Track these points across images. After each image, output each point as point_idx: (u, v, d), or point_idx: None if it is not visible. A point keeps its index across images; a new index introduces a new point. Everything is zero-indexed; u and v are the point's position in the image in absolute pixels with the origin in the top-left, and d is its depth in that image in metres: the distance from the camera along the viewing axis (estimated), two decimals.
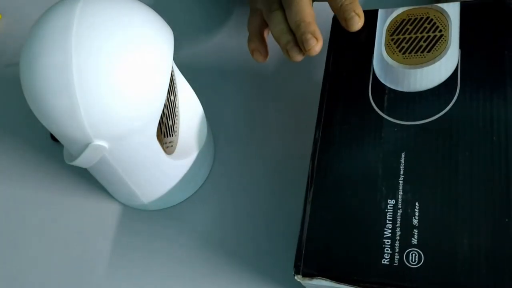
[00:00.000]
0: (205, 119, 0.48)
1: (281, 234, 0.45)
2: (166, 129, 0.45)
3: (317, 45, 0.40)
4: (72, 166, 0.48)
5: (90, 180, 0.51)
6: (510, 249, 0.30)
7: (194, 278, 0.44)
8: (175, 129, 0.47)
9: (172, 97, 0.46)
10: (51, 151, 0.53)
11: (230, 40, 0.58)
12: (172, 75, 0.46)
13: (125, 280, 0.45)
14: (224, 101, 0.53)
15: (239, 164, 0.50)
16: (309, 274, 0.33)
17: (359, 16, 0.40)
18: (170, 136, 0.46)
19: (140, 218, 0.48)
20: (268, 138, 0.51)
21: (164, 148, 0.45)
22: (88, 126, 0.35)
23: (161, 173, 0.44)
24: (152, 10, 0.39)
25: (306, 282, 0.34)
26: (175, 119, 0.46)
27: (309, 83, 0.53)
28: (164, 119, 0.45)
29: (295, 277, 0.34)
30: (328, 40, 0.44)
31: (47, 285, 0.46)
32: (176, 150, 0.46)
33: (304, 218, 0.36)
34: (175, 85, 0.47)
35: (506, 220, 0.31)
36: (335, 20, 0.45)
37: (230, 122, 0.52)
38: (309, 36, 0.40)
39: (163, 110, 0.44)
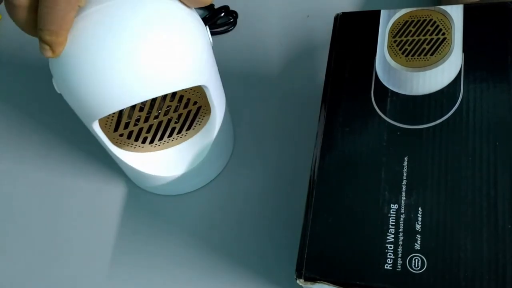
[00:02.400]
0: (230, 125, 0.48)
1: (285, 236, 0.45)
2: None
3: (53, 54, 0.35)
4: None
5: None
6: None
7: (194, 279, 0.44)
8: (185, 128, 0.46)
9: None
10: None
11: (233, 43, 0.58)
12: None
13: (125, 280, 0.45)
14: (228, 103, 0.53)
15: (242, 166, 0.49)
16: (311, 278, 0.33)
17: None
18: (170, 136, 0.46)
19: (144, 206, 0.49)
20: (270, 141, 0.50)
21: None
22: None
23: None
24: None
25: (308, 286, 0.34)
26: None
27: (311, 85, 0.52)
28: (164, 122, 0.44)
29: (297, 281, 0.34)
30: (329, 41, 0.44)
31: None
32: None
33: (306, 222, 0.35)
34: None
35: (509, 226, 0.31)
36: (336, 21, 0.44)
37: (233, 124, 0.52)
38: (47, 37, 0.34)
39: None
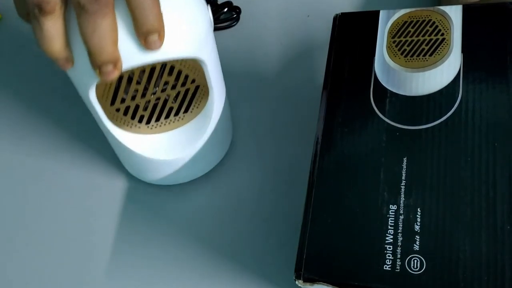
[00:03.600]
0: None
1: (284, 237, 0.45)
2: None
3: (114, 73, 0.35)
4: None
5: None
6: None
7: (192, 279, 0.44)
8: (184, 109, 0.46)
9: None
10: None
11: (235, 39, 0.58)
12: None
13: (123, 278, 0.45)
14: (227, 101, 0.53)
15: (241, 165, 0.49)
16: (310, 279, 0.33)
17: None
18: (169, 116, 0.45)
19: (143, 204, 0.49)
20: (269, 140, 0.50)
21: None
22: None
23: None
24: None
25: (307, 287, 0.34)
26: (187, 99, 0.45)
27: (310, 85, 0.52)
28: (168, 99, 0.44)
29: (296, 282, 0.34)
30: (328, 42, 0.44)
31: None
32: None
33: (305, 222, 0.35)
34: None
35: (508, 227, 0.31)
36: (335, 21, 0.44)
37: (231, 116, 0.52)
38: (110, 68, 0.34)
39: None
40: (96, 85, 0.38)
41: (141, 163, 0.46)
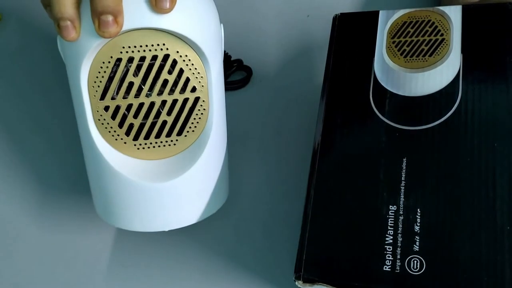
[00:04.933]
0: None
1: (283, 238, 0.45)
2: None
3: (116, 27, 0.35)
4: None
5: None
6: None
7: (193, 280, 0.44)
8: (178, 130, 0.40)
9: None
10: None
11: (231, 43, 0.58)
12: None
13: (125, 279, 0.45)
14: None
15: (240, 166, 0.49)
16: (310, 280, 0.33)
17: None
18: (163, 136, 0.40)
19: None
20: (268, 142, 0.50)
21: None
22: None
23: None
24: None
25: None
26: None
27: (310, 85, 0.52)
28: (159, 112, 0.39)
29: (296, 283, 0.34)
30: (328, 42, 0.44)
31: None
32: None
33: (305, 223, 0.35)
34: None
35: (508, 227, 0.31)
36: (335, 21, 0.44)
37: (229, 125, 0.52)
38: (110, 19, 0.34)
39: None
40: (90, 68, 0.37)
41: (116, 192, 0.40)
